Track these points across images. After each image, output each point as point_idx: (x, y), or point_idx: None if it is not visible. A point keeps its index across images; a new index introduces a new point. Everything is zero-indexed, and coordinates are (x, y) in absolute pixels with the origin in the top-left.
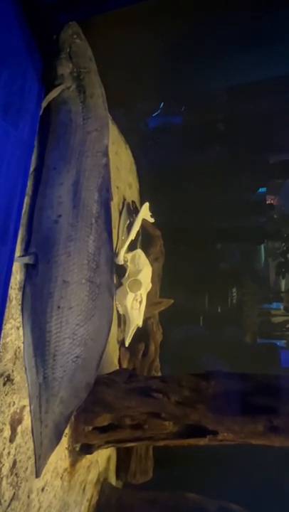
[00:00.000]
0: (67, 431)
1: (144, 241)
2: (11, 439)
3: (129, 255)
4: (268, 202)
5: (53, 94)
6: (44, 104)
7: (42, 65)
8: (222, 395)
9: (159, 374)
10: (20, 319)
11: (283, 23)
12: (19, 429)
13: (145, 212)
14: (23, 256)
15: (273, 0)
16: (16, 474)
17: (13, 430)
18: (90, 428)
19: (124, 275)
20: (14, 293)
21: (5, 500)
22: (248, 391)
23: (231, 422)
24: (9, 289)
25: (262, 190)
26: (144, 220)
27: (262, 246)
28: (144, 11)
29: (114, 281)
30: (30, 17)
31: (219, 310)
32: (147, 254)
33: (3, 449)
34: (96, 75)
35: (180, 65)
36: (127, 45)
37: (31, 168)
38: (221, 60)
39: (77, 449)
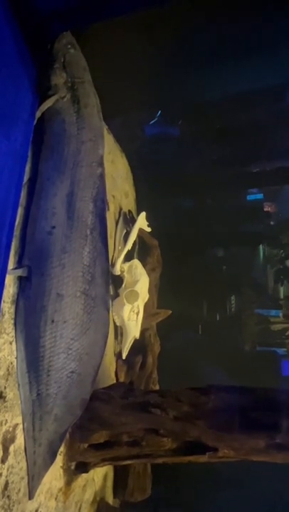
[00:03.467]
0: (61, 449)
1: (141, 251)
2: (3, 460)
3: (126, 265)
4: (265, 209)
5: (47, 104)
6: (38, 114)
7: (35, 74)
8: (222, 410)
9: (157, 387)
10: (13, 334)
11: (283, 31)
12: (12, 448)
13: (142, 222)
14: (16, 268)
15: (273, 8)
16: (8, 497)
17: (6, 450)
18: (86, 445)
19: (120, 286)
20: (7, 306)
21: None
22: (249, 406)
23: (232, 438)
24: (2, 302)
25: (259, 196)
26: (140, 230)
27: (260, 253)
28: (140, 20)
29: (111, 292)
30: (24, 26)
31: (218, 318)
32: (144, 264)
33: None
34: (90, 84)
35: (177, 73)
36: (122, 54)
37: (25, 179)
38: (218, 68)
39: (73, 467)
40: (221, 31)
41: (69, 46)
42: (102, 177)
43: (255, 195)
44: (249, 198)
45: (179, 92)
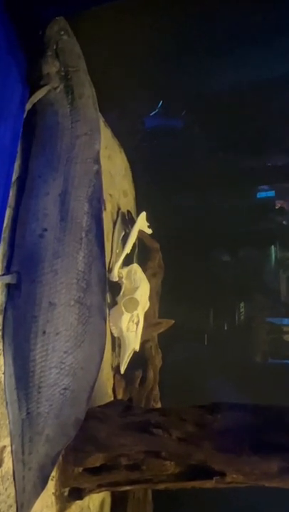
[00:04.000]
0: (53, 473)
1: (141, 254)
2: None
3: (125, 271)
4: (277, 207)
5: (39, 95)
6: (28, 106)
7: (26, 63)
8: (230, 431)
9: (159, 404)
10: (0, 346)
11: None
12: None
13: (142, 223)
14: (4, 275)
15: None
16: None
17: None
18: (80, 470)
19: (118, 293)
20: None
21: None
22: (261, 425)
23: (241, 461)
24: None
25: (270, 194)
26: (140, 232)
27: (272, 256)
28: (139, 2)
29: (108, 300)
30: (13, 11)
31: (225, 327)
32: (145, 269)
33: None
34: (85, 74)
35: (180, 61)
36: (121, 40)
37: (14, 177)
38: (227, 55)
39: (66, 494)
40: (230, 15)
41: (62, 32)
42: (98, 174)
43: (266, 193)
44: (259, 195)
45: (183, 80)
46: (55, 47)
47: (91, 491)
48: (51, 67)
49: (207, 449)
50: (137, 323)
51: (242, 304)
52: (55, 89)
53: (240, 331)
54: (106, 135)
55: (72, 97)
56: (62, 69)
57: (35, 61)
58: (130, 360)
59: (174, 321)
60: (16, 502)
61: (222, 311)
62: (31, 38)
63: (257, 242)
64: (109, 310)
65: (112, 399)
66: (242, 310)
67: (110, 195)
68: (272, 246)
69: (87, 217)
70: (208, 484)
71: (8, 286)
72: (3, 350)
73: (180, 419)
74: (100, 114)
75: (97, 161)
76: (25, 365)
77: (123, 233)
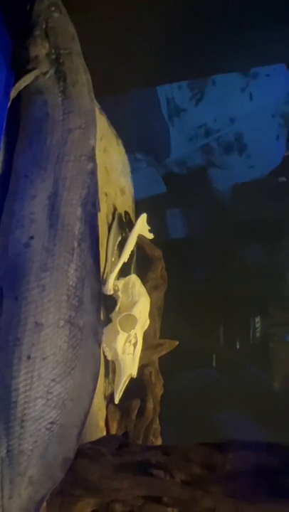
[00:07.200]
0: None
1: (141, 263)
2: None
3: (121, 283)
4: None
5: (25, 81)
6: (13, 94)
7: (11, 45)
8: (243, 473)
9: (160, 441)
10: None
11: None
12: None
13: (142, 226)
14: None
15: None
16: None
17: None
18: None
19: (113, 309)
20: None
21: None
22: (279, 467)
23: (255, 509)
24: None
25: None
26: (140, 237)
27: None
28: None
29: (102, 318)
30: None
31: (237, 347)
32: (144, 280)
33: None
34: (80, 57)
35: (190, 40)
36: (121, 17)
37: None
38: (249, 33)
39: None
40: None
41: (53, 8)
42: (93, 174)
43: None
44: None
45: (193, 63)
46: (44, 25)
47: None
48: (40, 48)
49: (216, 495)
50: (135, 345)
51: (257, 319)
52: (45, 74)
53: (255, 351)
54: (102, 124)
55: (64, 84)
56: (53, 51)
57: (22, 42)
58: (126, 387)
59: (178, 342)
60: None
61: (233, 326)
62: (17, 14)
63: (273, 238)
64: (102, 331)
65: (105, 433)
66: (257, 326)
67: (105, 194)
68: None
69: (80, 223)
70: None
71: None
72: None
73: (185, 459)
74: (95, 102)
75: (92, 158)
76: (6, 395)
77: (120, 238)
